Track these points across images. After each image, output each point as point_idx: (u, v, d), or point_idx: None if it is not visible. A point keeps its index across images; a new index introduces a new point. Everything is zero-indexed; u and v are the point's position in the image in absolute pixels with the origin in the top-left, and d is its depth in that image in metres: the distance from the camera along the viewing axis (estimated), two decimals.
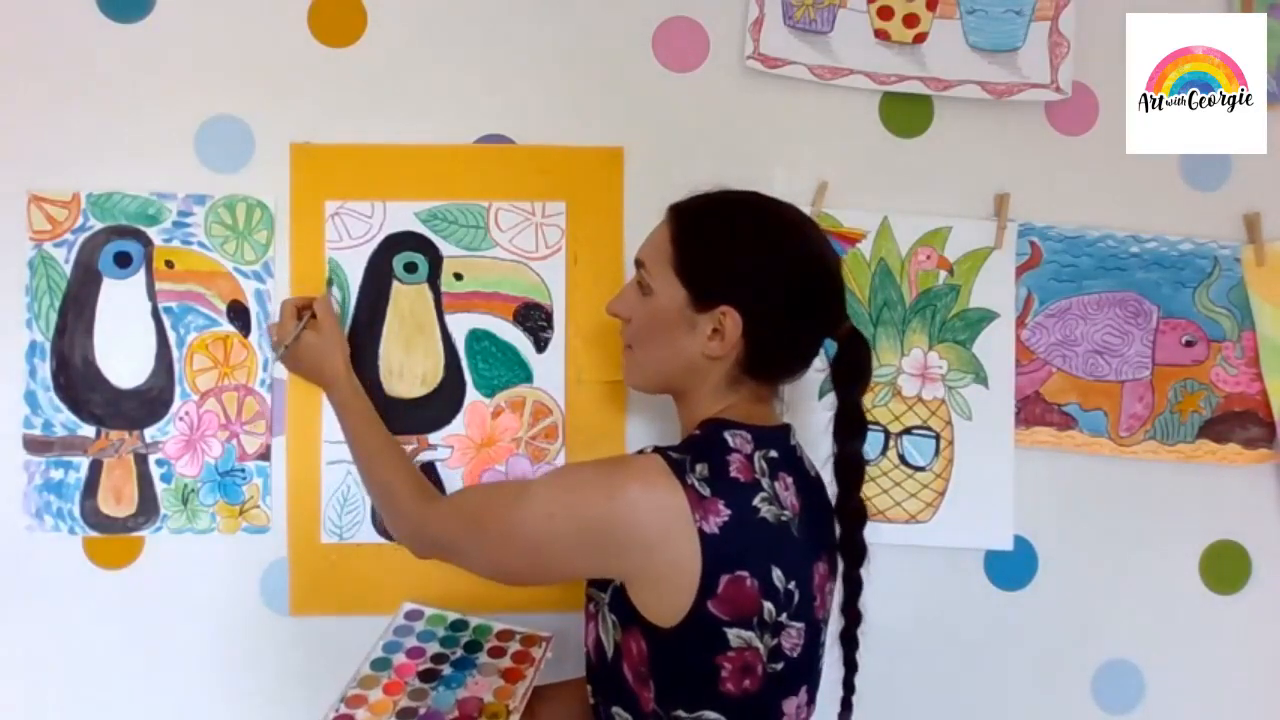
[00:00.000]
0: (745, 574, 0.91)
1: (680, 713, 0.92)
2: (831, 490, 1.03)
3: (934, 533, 1.30)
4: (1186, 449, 1.34)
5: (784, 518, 0.94)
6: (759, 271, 0.98)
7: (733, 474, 0.93)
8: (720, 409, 1.00)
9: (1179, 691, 1.35)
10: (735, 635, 0.90)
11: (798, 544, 0.95)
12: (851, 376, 1.02)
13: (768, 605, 0.92)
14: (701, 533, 0.89)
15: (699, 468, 0.92)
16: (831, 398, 1.02)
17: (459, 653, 1.15)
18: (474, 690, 1.09)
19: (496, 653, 1.15)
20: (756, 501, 0.93)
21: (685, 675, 0.92)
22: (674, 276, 1.00)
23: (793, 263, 0.99)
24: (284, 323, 1.22)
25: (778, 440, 1.00)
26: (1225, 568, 1.35)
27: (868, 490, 1.28)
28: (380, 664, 1.13)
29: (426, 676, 1.11)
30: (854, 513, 1.01)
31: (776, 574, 0.92)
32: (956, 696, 1.33)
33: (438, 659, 1.14)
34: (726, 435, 0.96)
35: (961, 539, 1.31)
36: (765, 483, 0.94)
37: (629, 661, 0.94)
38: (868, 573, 1.01)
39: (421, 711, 1.06)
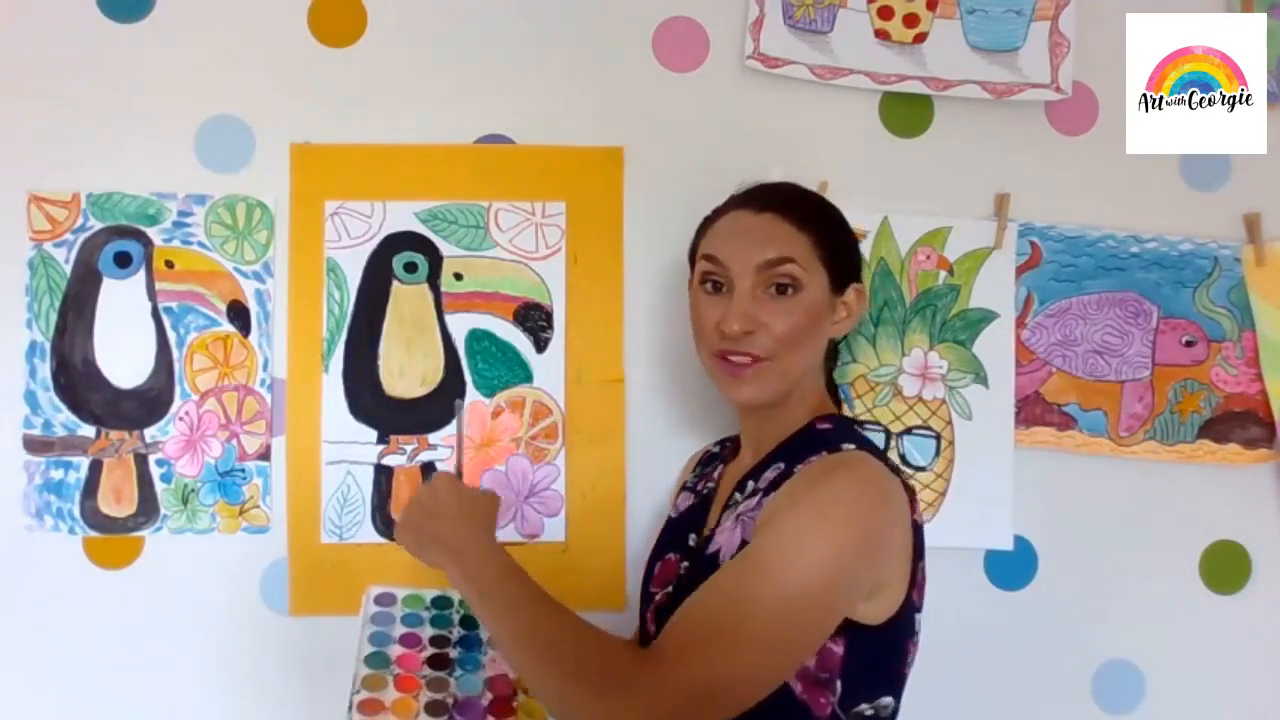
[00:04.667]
0: (925, 559, 0.95)
1: (863, 706, 0.91)
2: None
3: (935, 533, 1.28)
4: (1186, 449, 1.34)
5: None
6: (857, 245, 1.08)
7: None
8: (818, 401, 1.04)
9: (1179, 691, 1.35)
10: (918, 619, 0.95)
11: None
12: None
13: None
14: (914, 524, 0.93)
15: (889, 461, 0.95)
16: None
17: (458, 631, 1.10)
18: (495, 668, 1.04)
19: None
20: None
21: (881, 666, 0.93)
22: (818, 264, 1.00)
23: None
24: (444, 475, 1.03)
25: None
26: (1225, 568, 1.35)
27: None
28: (376, 660, 1.06)
29: (437, 663, 1.05)
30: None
31: None
32: (956, 696, 1.33)
33: (438, 641, 1.08)
34: (857, 429, 1.02)
35: (962, 539, 1.31)
36: None
37: (799, 672, 0.88)
38: None
39: (450, 702, 1.01)
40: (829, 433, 0.98)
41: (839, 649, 0.88)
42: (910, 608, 0.93)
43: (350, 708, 1.00)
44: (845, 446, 0.93)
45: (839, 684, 0.89)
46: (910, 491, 0.94)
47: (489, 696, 1.02)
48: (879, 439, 1.30)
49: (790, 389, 1.01)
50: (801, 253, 0.99)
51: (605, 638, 0.88)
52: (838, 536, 0.84)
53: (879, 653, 0.91)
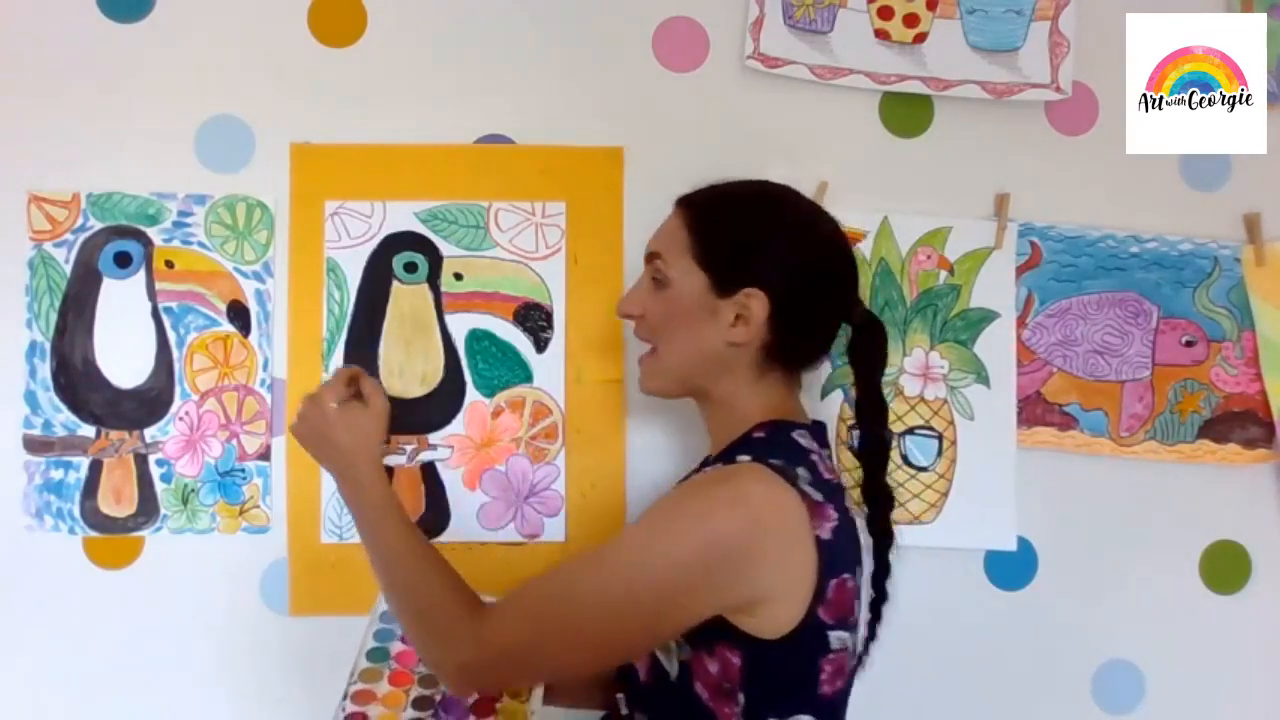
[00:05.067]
0: (848, 576, 0.91)
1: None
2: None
3: (937, 533, 1.30)
4: (1186, 449, 1.34)
5: (854, 515, 0.96)
6: (784, 252, 0.98)
7: (825, 476, 0.93)
8: (764, 407, 0.99)
9: (1179, 691, 1.35)
10: (836, 638, 0.90)
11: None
12: (870, 359, 1.02)
13: (857, 604, 0.93)
14: (818, 540, 0.88)
15: (801, 472, 0.90)
16: (837, 393, 1.03)
17: None
18: None
19: None
20: (847, 501, 0.94)
21: (786, 682, 0.90)
22: (692, 264, 0.99)
23: (815, 243, 1.00)
24: (334, 385, 1.06)
25: (823, 437, 1.01)
26: (1225, 568, 1.35)
27: None
28: (377, 655, 1.10)
29: None
30: (883, 495, 1.01)
31: (858, 572, 0.94)
32: (956, 696, 1.33)
33: None
34: (796, 436, 0.96)
35: (964, 539, 1.31)
36: (842, 481, 0.96)
37: (704, 680, 0.90)
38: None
39: (438, 699, 1.04)
40: (754, 441, 0.96)
41: (737, 660, 0.88)
42: (816, 624, 0.88)
43: (344, 696, 1.04)
44: (740, 458, 0.91)
45: (741, 695, 0.89)
46: (815, 506, 0.89)
47: (474, 696, 1.04)
48: None
49: (684, 385, 1.03)
50: (674, 250, 1.00)
51: (454, 586, 0.94)
52: (682, 548, 0.85)
53: (781, 668, 0.89)
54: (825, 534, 0.88)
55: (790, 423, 0.98)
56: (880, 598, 1.03)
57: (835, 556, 0.89)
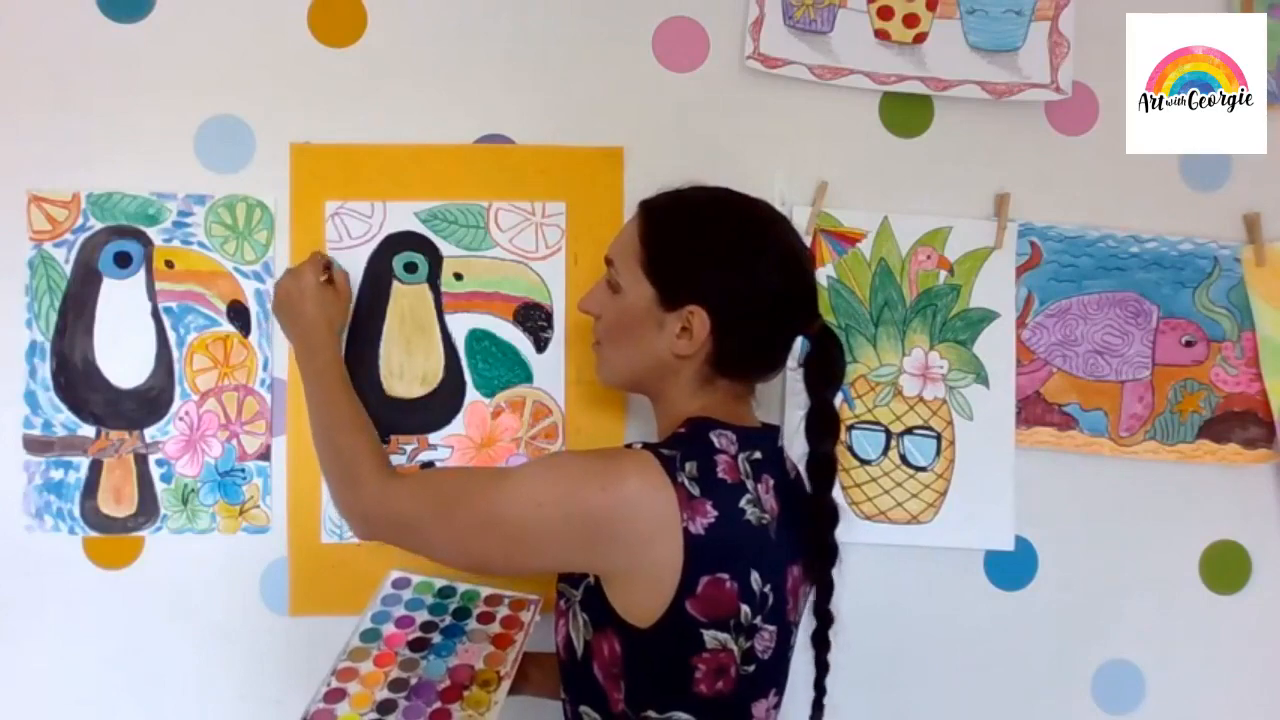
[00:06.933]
0: (725, 576, 0.90)
1: (651, 713, 0.92)
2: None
3: (935, 533, 1.30)
4: (1186, 449, 1.34)
5: (764, 520, 0.94)
6: (725, 272, 0.98)
7: (720, 474, 0.93)
8: (700, 407, 1.00)
9: (1179, 691, 1.35)
10: (711, 637, 0.90)
11: (775, 547, 0.95)
12: (823, 375, 1.01)
13: (745, 608, 0.92)
14: (687, 532, 0.89)
15: (688, 466, 0.92)
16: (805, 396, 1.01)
17: (448, 620, 1.16)
18: (464, 658, 1.10)
19: (485, 618, 1.16)
20: (742, 504, 0.93)
21: (658, 675, 0.92)
22: (642, 274, 1.00)
23: (760, 263, 0.99)
24: (314, 264, 1.20)
25: (762, 442, 1.00)
26: (1225, 568, 1.35)
27: (870, 490, 1.29)
28: (369, 635, 1.13)
29: (416, 646, 1.12)
30: (826, 513, 1.00)
31: (755, 577, 0.92)
32: (956, 696, 1.33)
33: (427, 627, 1.14)
34: (712, 435, 0.96)
35: (962, 539, 1.31)
36: (749, 484, 0.94)
37: (599, 661, 0.94)
38: (840, 574, 1.00)
39: (413, 682, 1.06)
40: (676, 436, 0.98)
41: (617, 645, 0.92)
42: (686, 618, 0.89)
43: (331, 671, 1.07)
44: (635, 445, 0.95)
45: (623, 682, 0.93)
46: (689, 500, 0.89)
47: (447, 682, 1.07)
48: (879, 439, 1.30)
49: (631, 383, 1.07)
50: (626, 258, 1.02)
51: (375, 450, 1.08)
52: (549, 496, 0.91)
53: (654, 659, 0.91)
54: (696, 528, 0.89)
55: (714, 422, 0.98)
56: (824, 622, 1.00)
57: (708, 553, 0.89)
